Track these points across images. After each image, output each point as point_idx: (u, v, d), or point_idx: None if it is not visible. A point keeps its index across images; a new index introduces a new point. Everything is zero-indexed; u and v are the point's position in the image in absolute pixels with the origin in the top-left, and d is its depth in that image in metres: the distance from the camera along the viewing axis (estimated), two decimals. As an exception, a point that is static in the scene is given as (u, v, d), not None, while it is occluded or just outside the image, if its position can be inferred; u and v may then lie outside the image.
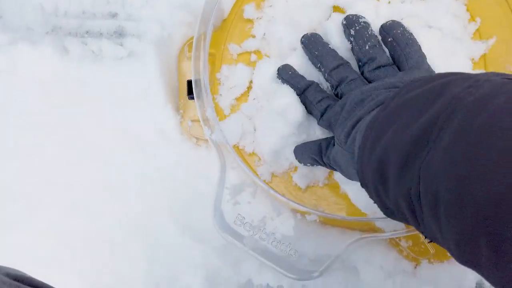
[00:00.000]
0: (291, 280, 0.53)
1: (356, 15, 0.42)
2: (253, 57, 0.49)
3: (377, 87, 0.37)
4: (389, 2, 0.44)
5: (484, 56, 0.44)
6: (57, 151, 0.60)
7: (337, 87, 0.41)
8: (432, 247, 0.47)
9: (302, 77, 0.44)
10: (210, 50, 0.49)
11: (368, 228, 0.44)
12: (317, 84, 0.43)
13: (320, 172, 0.45)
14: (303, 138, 0.44)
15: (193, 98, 0.53)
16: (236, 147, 0.46)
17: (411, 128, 0.28)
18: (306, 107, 0.43)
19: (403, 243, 0.47)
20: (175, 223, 0.56)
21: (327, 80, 0.43)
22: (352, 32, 0.41)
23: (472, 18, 0.44)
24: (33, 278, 0.34)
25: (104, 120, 0.59)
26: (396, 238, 0.47)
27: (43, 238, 0.60)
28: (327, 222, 0.45)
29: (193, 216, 0.56)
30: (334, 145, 0.40)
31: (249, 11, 0.49)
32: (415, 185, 0.27)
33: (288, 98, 0.42)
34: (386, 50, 0.41)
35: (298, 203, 0.42)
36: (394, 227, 0.43)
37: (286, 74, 0.44)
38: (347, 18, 0.42)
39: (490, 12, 0.44)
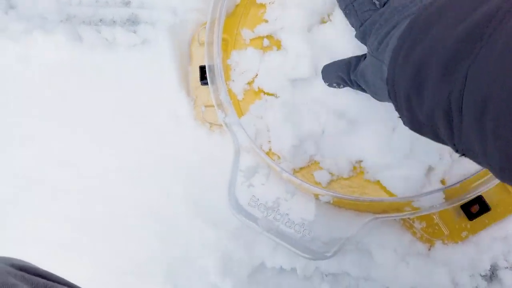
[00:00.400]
0: (304, 262, 0.54)
1: None
2: (266, 42, 0.49)
3: None
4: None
5: None
6: (72, 138, 0.61)
7: (385, 3, 0.36)
8: (446, 228, 0.47)
9: None
10: (223, 36, 0.49)
11: (382, 209, 0.44)
12: None
13: (345, 164, 0.46)
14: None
15: (206, 83, 0.54)
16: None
17: (460, 26, 0.24)
18: (349, 19, 0.39)
19: (416, 224, 0.47)
20: (189, 207, 0.57)
21: None
22: None
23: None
24: (38, 267, 0.34)
25: (118, 106, 0.59)
26: (410, 220, 0.48)
27: (59, 224, 0.61)
28: (341, 204, 0.46)
29: (207, 200, 0.57)
30: (364, 60, 0.37)
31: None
32: (458, 88, 0.24)
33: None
34: None
35: (311, 184, 0.42)
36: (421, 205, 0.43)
37: None
38: None
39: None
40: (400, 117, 0.32)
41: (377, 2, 0.38)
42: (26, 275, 0.31)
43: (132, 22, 0.62)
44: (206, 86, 0.54)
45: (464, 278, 0.50)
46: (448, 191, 0.42)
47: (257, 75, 0.48)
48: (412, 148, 0.42)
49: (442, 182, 0.43)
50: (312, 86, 0.45)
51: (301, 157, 0.45)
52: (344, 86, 0.41)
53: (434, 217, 0.47)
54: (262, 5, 0.50)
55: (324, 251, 0.43)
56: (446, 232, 0.47)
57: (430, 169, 0.43)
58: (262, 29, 0.49)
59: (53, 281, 0.33)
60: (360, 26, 0.37)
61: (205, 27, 0.55)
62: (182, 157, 0.57)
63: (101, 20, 0.64)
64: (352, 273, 0.54)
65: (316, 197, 0.44)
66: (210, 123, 0.55)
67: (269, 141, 0.46)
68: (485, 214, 0.46)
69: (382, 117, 0.42)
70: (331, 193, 0.42)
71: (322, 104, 0.43)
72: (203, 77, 0.54)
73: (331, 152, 0.45)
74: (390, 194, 0.44)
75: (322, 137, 0.44)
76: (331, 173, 0.45)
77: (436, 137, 0.29)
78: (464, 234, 0.47)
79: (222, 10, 0.48)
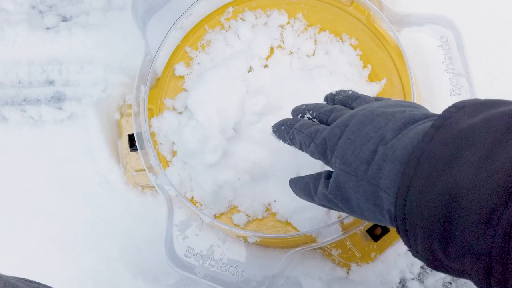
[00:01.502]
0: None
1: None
2: (181, 108, 0.56)
3: (389, 105, 0.32)
4: (299, 58, 0.54)
5: (380, 94, 0.54)
6: (4, 214, 0.61)
7: (328, 118, 0.37)
8: (358, 251, 0.55)
9: (292, 119, 0.40)
10: (148, 106, 0.56)
11: (299, 243, 0.51)
12: (308, 118, 0.39)
13: (260, 208, 0.52)
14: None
15: (135, 150, 0.59)
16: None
17: (493, 164, 0.23)
18: (295, 143, 0.39)
19: (334, 252, 0.55)
20: (127, 268, 0.59)
21: (318, 120, 0.38)
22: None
23: (365, 65, 0.55)
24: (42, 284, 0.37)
25: (49, 179, 0.62)
26: (328, 248, 0.55)
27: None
28: (268, 243, 0.52)
29: (145, 258, 0.60)
30: (327, 178, 0.35)
31: (179, 69, 0.57)
32: (501, 242, 0.22)
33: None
34: None
35: (239, 229, 0.48)
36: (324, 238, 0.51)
37: (280, 128, 0.40)
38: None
39: (378, 60, 0.55)
40: (409, 250, 0.29)
41: (316, 122, 0.38)
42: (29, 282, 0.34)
43: (57, 99, 0.66)
44: (135, 152, 0.59)
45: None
46: (344, 224, 0.50)
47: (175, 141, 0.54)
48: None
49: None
50: (231, 144, 0.52)
51: (221, 202, 0.51)
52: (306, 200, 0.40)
53: (347, 243, 0.55)
54: (181, 77, 0.57)
55: (259, 288, 0.48)
56: (358, 255, 0.55)
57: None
58: (182, 97, 0.56)
59: None
60: (312, 140, 0.35)
61: (128, 101, 0.62)
62: (116, 220, 0.60)
63: (24, 100, 0.67)
64: (287, 308, 0.59)
65: (245, 240, 0.50)
66: (142, 186, 0.60)
67: (192, 190, 0.52)
68: (387, 234, 0.55)
69: (287, 167, 0.49)
70: (258, 234, 0.48)
71: (238, 157, 0.51)
72: (131, 144, 0.59)
73: (247, 196, 0.52)
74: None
75: (239, 183, 0.50)
76: (247, 215, 0.51)
77: (461, 275, 0.26)
78: (373, 254, 0.55)
79: (147, 84, 0.55)
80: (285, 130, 0.39)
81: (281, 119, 0.41)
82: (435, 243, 0.26)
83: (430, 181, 0.26)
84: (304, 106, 0.40)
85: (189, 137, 0.51)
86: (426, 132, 0.27)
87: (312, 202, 0.38)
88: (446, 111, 0.28)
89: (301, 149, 0.38)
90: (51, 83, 0.67)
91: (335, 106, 0.38)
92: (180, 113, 0.56)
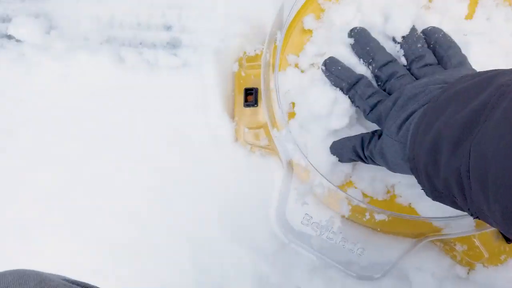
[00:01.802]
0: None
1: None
2: (305, 65, 0.51)
3: (429, 83, 0.39)
4: (451, 19, 0.47)
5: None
6: (110, 157, 0.61)
7: (385, 82, 0.43)
8: (486, 251, 0.48)
9: (352, 70, 0.45)
10: (270, 61, 0.52)
11: (432, 231, 0.45)
12: (367, 78, 0.44)
13: (381, 189, 0.47)
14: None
15: (249, 105, 0.56)
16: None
17: (463, 112, 0.31)
18: (353, 101, 0.45)
19: (458, 247, 0.49)
20: (224, 230, 0.57)
21: (375, 75, 0.45)
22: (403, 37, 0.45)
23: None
24: (88, 283, 0.37)
25: (157, 126, 0.61)
26: (452, 243, 0.49)
27: (87, 244, 0.61)
28: (390, 228, 0.47)
29: (243, 222, 0.57)
30: (378, 138, 0.42)
31: (308, 22, 0.52)
32: (465, 162, 0.30)
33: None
34: None
35: (367, 204, 0.43)
36: (453, 230, 0.45)
37: (334, 68, 0.45)
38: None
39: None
40: (422, 189, 0.38)
41: (377, 83, 0.44)
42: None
43: (173, 45, 0.64)
44: (249, 108, 0.56)
45: (502, 302, 0.51)
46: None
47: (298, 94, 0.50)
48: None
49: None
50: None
51: (337, 175, 0.47)
52: (357, 160, 0.45)
53: (475, 240, 0.48)
54: (309, 31, 0.52)
55: (373, 273, 0.44)
56: (486, 255, 0.48)
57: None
58: (307, 53, 0.51)
59: None
60: (371, 110, 0.43)
61: (249, 53, 0.58)
62: (220, 177, 0.58)
63: (141, 43, 0.66)
64: (389, 298, 0.54)
65: (371, 215, 0.45)
66: (251, 145, 0.57)
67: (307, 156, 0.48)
68: (522, 238, 0.48)
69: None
70: (388, 212, 0.43)
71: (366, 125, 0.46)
72: (247, 100, 0.56)
73: (367, 174, 0.47)
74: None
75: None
76: (364, 194, 0.47)
77: (455, 205, 0.35)
78: (503, 257, 0.49)
79: (278, 36, 0.50)
80: (344, 86, 0.45)
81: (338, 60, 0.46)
82: (431, 173, 0.34)
83: (428, 127, 0.34)
84: (368, 47, 0.45)
85: (317, 97, 0.47)
86: (433, 96, 0.36)
87: (356, 159, 0.44)
88: (457, 79, 0.36)
89: (356, 106, 0.45)
90: (168, 28, 0.65)
91: (395, 69, 0.43)
92: (302, 71, 0.52)
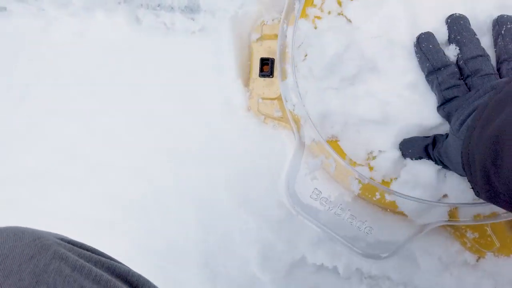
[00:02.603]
0: (346, 262, 0.54)
1: (510, 16, 0.41)
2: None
3: (504, 82, 0.35)
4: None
5: None
6: (121, 114, 0.61)
7: (468, 77, 0.40)
8: (497, 240, 0.47)
9: (443, 53, 0.41)
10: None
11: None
12: (455, 68, 0.40)
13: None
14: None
15: (264, 76, 0.55)
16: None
17: None
18: (431, 87, 0.42)
19: (469, 234, 0.47)
20: (232, 195, 0.57)
21: (460, 67, 0.41)
22: (503, 30, 0.40)
23: None
24: (83, 243, 0.36)
25: (171, 89, 0.60)
26: (463, 229, 0.48)
27: (98, 199, 0.61)
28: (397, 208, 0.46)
29: (252, 190, 0.57)
30: (446, 138, 0.39)
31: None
32: None
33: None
34: None
35: (378, 183, 0.42)
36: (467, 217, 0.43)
37: (427, 46, 0.41)
38: (501, 17, 0.41)
39: None
40: (472, 187, 0.35)
41: (460, 79, 0.40)
42: (75, 248, 0.33)
43: (191, 9, 0.63)
44: (264, 78, 0.55)
45: (508, 292, 0.50)
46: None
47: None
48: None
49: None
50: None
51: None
52: (426, 159, 0.43)
53: (487, 228, 0.47)
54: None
55: (380, 252, 0.43)
56: (497, 244, 0.47)
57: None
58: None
59: (97, 254, 0.35)
60: (443, 104, 0.40)
61: (265, 22, 0.56)
62: (231, 145, 0.57)
63: (159, 5, 0.64)
64: (393, 278, 0.54)
65: (382, 195, 0.44)
66: (265, 116, 0.56)
67: (332, 127, 0.46)
68: (537, 230, 0.46)
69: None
70: (398, 194, 0.42)
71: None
72: (262, 69, 0.55)
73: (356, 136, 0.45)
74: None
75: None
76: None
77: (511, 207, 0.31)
78: (515, 248, 0.47)
79: (297, 5, 0.48)
80: (427, 67, 0.41)
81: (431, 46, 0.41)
82: (490, 170, 0.31)
83: (487, 122, 0.31)
84: (459, 35, 0.41)
85: (330, 41, 0.44)
86: (489, 96, 0.34)
87: (425, 158, 0.42)
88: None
89: (434, 93, 0.42)
90: (188, -9, 0.63)
91: (482, 66, 0.39)
92: (319, 18, 0.49)
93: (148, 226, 0.60)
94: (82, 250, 0.34)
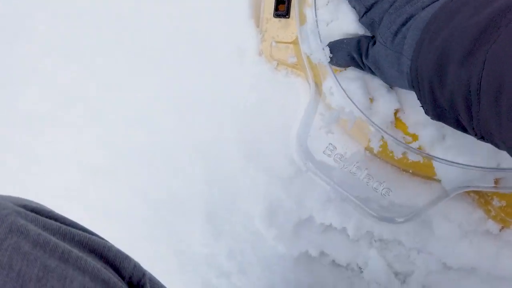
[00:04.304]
0: (356, 223, 0.50)
1: None
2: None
3: None
4: None
5: None
6: (123, 58, 0.56)
7: None
8: (527, 211, 0.43)
9: None
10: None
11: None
12: None
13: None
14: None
15: (279, 15, 0.49)
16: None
17: (478, 16, 0.27)
18: (351, 3, 0.39)
19: (495, 202, 0.43)
20: (240, 148, 0.53)
21: None
22: None
23: None
24: (52, 210, 0.31)
25: (177, 29, 0.54)
26: (488, 196, 0.44)
27: (99, 147, 0.58)
28: (430, 169, 0.41)
29: (261, 143, 0.53)
30: (374, 44, 0.37)
31: None
32: (477, 73, 0.26)
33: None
34: None
35: (400, 141, 0.38)
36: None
37: None
38: None
39: None
40: (422, 106, 0.33)
41: None
42: (39, 217, 0.28)
43: None
44: (278, 19, 0.49)
45: (530, 265, 0.46)
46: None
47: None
48: None
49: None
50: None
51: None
52: (349, 66, 0.40)
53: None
54: None
55: (396, 215, 0.39)
56: (526, 215, 0.43)
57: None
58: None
59: (67, 225, 0.29)
60: (366, 12, 0.37)
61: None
62: (240, 94, 0.53)
63: None
64: (406, 243, 0.50)
65: (404, 154, 0.40)
66: (278, 61, 0.50)
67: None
68: None
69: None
70: (422, 152, 0.37)
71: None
72: (278, 8, 0.49)
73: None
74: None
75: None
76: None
77: (457, 124, 0.31)
78: (544, 219, 0.43)
79: None
80: None
81: None
82: (436, 87, 0.30)
83: (436, 34, 0.29)
84: None
85: None
86: (441, 5, 0.31)
87: (353, 64, 0.39)
88: None
89: (353, 7, 0.39)
90: None
91: None
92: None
93: (152, 177, 0.57)
94: (48, 220, 0.29)
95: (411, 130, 0.40)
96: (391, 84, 0.37)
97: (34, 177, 0.61)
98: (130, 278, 0.29)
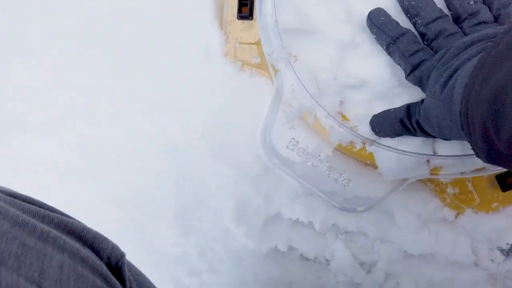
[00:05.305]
0: (322, 217, 0.52)
1: None
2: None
3: (480, 37, 0.34)
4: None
5: None
6: (94, 60, 0.56)
7: (432, 40, 0.38)
8: (478, 196, 0.46)
9: (397, 23, 0.39)
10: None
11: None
12: (413, 34, 0.39)
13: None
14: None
15: (242, 18, 0.50)
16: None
17: None
18: (393, 59, 0.40)
19: (449, 190, 0.46)
20: (208, 147, 0.54)
21: (421, 33, 0.39)
22: None
23: None
24: (29, 196, 0.31)
25: (143, 31, 0.55)
26: (443, 185, 0.46)
27: (71, 148, 0.58)
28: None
29: (228, 141, 0.54)
30: (421, 104, 0.38)
31: None
32: None
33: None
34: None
35: (360, 135, 0.40)
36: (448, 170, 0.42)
37: (378, 20, 0.39)
38: None
39: None
40: (472, 148, 0.33)
41: (422, 41, 0.39)
42: (17, 201, 0.28)
43: None
44: (242, 21, 0.51)
45: (484, 250, 0.49)
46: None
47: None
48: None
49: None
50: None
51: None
52: (396, 134, 0.40)
53: (468, 184, 0.46)
54: None
55: (357, 205, 0.41)
56: (477, 201, 0.46)
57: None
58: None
59: (46, 209, 0.30)
60: (413, 70, 0.38)
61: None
62: (207, 93, 0.54)
63: None
64: (370, 234, 0.53)
65: (363, 145, 0.41)
66: (242, 62, 0.52)
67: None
68: (519, 187, 0.45)
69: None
70: (381, 145, 0.39)
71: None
72: (241, 11, 0.50)
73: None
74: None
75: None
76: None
77: None
78: (495, 205, 0.46)
79: None
80: (385, 40, 0.39)
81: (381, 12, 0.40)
82: (491, 130, 0.29)
83: (487, 79, 0.29)
84: (418, 7, 0.39)
85: None
86: (486, 51, 0.30)
87: (400, 133, 0.40)
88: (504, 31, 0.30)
89: (398, 64, 0.40)
90: None
91: (444, 26, 0.38)
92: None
93: (121, 176, 0.57)
94: (26, 203, 0.29)
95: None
96: (447, 137, 0.37)
97: (4, 180, 0.60)
98: (108, 258, 0.29)
